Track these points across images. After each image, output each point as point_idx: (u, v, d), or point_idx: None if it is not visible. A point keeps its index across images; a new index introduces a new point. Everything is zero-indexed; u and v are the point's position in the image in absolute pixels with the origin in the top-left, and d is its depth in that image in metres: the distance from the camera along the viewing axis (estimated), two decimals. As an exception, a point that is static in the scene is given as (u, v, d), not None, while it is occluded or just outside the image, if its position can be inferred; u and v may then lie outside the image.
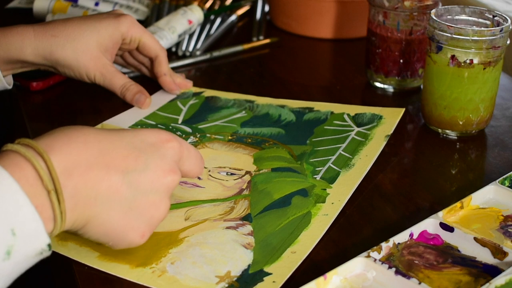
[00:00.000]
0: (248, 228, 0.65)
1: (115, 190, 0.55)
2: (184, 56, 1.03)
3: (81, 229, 0.56)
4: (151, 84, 0.93)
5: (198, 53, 1.03)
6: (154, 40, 0.89)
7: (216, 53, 1.03)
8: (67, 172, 0.53)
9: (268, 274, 0.59)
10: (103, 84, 0.86)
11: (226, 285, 0.58)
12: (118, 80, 0.86)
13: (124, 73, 0.95)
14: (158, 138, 0.59)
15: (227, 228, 0.65)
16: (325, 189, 0.71)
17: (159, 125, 0.83)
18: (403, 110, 0.84)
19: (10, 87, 0.86)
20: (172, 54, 1.03)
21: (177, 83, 0.91)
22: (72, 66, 0.84)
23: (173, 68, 0.98)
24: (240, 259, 0.61)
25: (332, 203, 0.68)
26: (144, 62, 0.93)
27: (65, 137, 0.54)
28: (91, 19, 0.86)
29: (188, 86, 0.92)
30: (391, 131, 0.80)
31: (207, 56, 1.02)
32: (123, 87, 0.86)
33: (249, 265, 0.60)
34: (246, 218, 0.67)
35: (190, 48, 1.04)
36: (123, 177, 0.56)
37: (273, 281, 0.58)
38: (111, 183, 0.55)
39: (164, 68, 0.90)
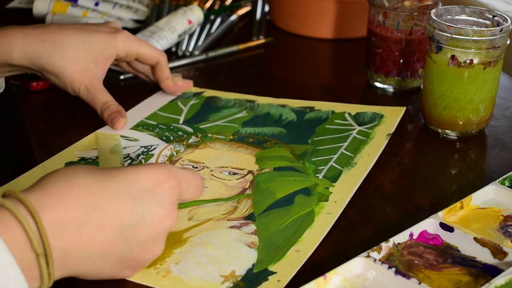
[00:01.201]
0: (252, 227, 0.65)
1: (108, 247, 0.54)
2: (180, 56, 1.03)
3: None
4: (151, 84, 0.93)
5: (196, 53, 1.03)
6: (152, 48, 0.87)
7: (211, 53, 1.03)
8: (58, 234, 0.51)
9: (272, 273, 0.59)
10: (86, 98, 0.83)
11: (231, 285, 0.58)
12: (101, 97, 0.83)
13: (125, 73, 0.96)
14: (155, 180, 0.56)
15: (231, 227, 0.65)
16: (328, 188, 0.71)
17: (160, 125, 0.83)
18: (404, 108, 0.84)
19: (1, 90, 0.86)
20: (172, 54, 1.03)
21: (179, 86, 0.90)
22: (57, 74, 0.82)
23: (171, 68, 0.98)
24: (244, 259, 0.61)
25: (335, 202, 0.69)
26: (143, 71, 0.91)
27: (58, 193, 0.52)
28: (84, 30, 0.84)
29: (189, 86, 0.92)
30: (393, 130, 0.80)
31: (203, 56, 1.02)
32: (104, 104, 0.83)
33: (253, 264, 0.60)
34: (250, 217, 0.67)
35: (190, 48, 1.04)
36: (117, 232, 0.54)
37: (278, 280, 0.58)
38: (104, 241, 0.53)
39: (166, 72, 0.89)
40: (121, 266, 0.56)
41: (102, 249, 0.54)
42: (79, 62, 0.82)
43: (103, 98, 0.83)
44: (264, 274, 0.59)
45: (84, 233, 0.52)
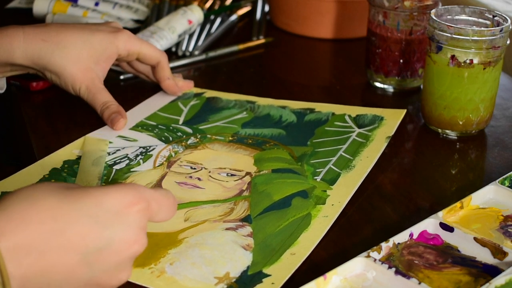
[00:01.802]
0: (248, 229, 0.65)
1: (71, 273, 0.51)
2: (180, 56, 1.03)
3: None
4: (151, 84, 0.93)
5: (196, 53, 1.03)
6: (153, 48, 0.87)
7: (211, 53, 1.03)
8: (17, 261, 0.48)
9: (267, 275, 0.59)
10: (86, 98, 0.83)
11: (225, 286, 0.58)
12: (101, 97, 0.83)
13: (125, 73, 0.96)
14: (124, 203, 0.52)
15: (227, 229, 0.65)
16: (325, 191, 0.71)
17: (159, 126, 0.83)
18: (404, 111, 0.84)
19: (2, 91, 0.86)
20: (172, 54, 1.03)
21: (179, 86, 0.90)
22: (59, 73, 0.82)
23: (171, 68, 0.98)
24: (239, 260, 0.61)
25: (332, 205, 0.68)
26: (143, 71, 0.91)
27: (19, 216, 0.49)
28: (85, 30, 0.83)
29: (190, 86, 0.92)
30: (392, 133, 0.80)
31: (203, 56, 1.02)
32: (104, 104, 0.83)
33: (248, 267, 0.60)
34: (246, 219, 0.67)
35: (190, 48, 1.04)
36: (81, 258, 0.51)
37: (272, 283, 0.58)
38: (67, 267, 0.50)
39: (167, 72, 0.89)
40: None
41: (64, 275, 0.51)
42: (80, 62, 0.82)
43: (103, 98, 0.83)
44: (259, 277, 0.59)
45: (45, 259, 0.49)
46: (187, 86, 0.91)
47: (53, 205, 0.51)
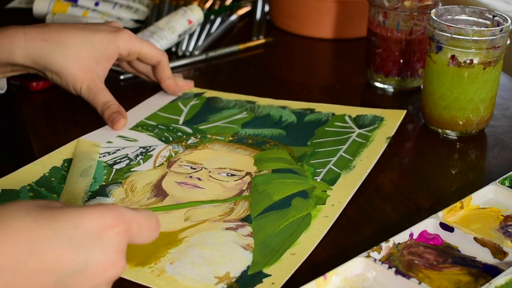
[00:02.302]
0: (248, 229, 0.65)
1: None
2: (180, 56, 1.03)
3: None
4: (151, 84, 0.93)
5: (196, 53, 1.03)
6: (153, 47, 0.87)
7: (211, 53, 1.03)
8: None
9: (267, 275, 0.59)
10: (87, 97, 0.83)
11: (225, 286, 0.58)
12: (102, 97, 0.83)
13: (125, 73, 0.96)
14: (102, 225, 0.50)
15: (227, 229, 0.65)
16: (326, 191, 0.71)
17: (159, 126, 0.83)
18: (404, 112, 0.84)
19: (3, 91, 0.86)
20: (172, 54, 1.03)
21: (180, 86, 0.90)
22: (60, 73, 0.82)
23: (171, 68, 0.98)
24: (239, 260, 0.61)
25: (332, 205, 0.68)
26: (144, 71, 0.91)
27: None
28: (86, 29, 0.83)
29: (190, 86, 0.92)
30: (392, 133, 0.80)
31: (203, 56, 1.02)
32: (105, 104, 0.83)
33: (248, 266, 0.60)
34: (246, 219, 0.67)
35: (190, 48, 1.04)
36: (56, 281, 0.49)
37: (272, 283, 0.58)
38: None
39: (167, 72, 0.89)
40: None
41: None
42: (81, 61, 0.82)
43: (104, 98, 0.83)
44: (259, 276, 0.59)
45: (18, 281, 0.48)
46: (188, 86, 0.91)
47: (29, 226, 0.49)
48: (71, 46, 0.82)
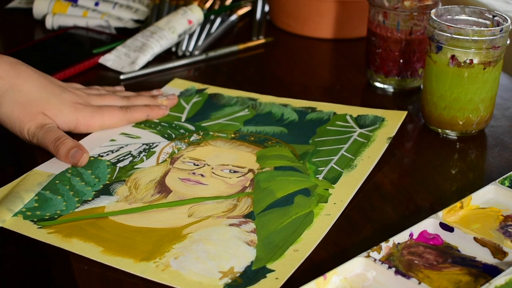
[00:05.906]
0: (251, 225, 0.65)
1: None
2: (180, 56, 1.03)
3: None
4: (151, 83, 0.93)
5: (196, 53, 1.03)
6: (118, 116, 0.81)
7: (211, 53, 1.03)
8: None
9: (271, 271, 0.60)
10: (36, 139, 0.76)
11: (230, 281, 0.58)
12: (53, 134, 0.76)
13: (125, 73, 0.95)
14: None
15: (230, 225, 0.66)
16: (328, 189, 0.71)
17: (162, 123, 0.83)
18: (405, 113, 0.84)
19: None
20: (172, 54, 1.03)
21: (166, 107, 0.85)
22: (6, 115, 0.77)
23: (171, 68, 0.98)
24: (243, 256, 0.61)
25: (334, 203, 0.69)
26: None
27: None
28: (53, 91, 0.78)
29: (174, 103, 0.87)
30: (393, 134, 0.80)
31: (203, 56, 1.02)
32: (57, 140, 0.75)
33: (252, 262, 0.61)
34: (249, 216, 0.67)
35: (190, 48, 1.04)
36: None
37: (276, 278, 0.59)
38: None
39: (154, 112, 0.84)
40: None
41: None
42: (31, 107, 0.77)
43: (55, 134, 0.76)
44: (263, 272, 0.59)
45: None
46: (172, 103, 0.87)
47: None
48: (25, 92, 0.77)
